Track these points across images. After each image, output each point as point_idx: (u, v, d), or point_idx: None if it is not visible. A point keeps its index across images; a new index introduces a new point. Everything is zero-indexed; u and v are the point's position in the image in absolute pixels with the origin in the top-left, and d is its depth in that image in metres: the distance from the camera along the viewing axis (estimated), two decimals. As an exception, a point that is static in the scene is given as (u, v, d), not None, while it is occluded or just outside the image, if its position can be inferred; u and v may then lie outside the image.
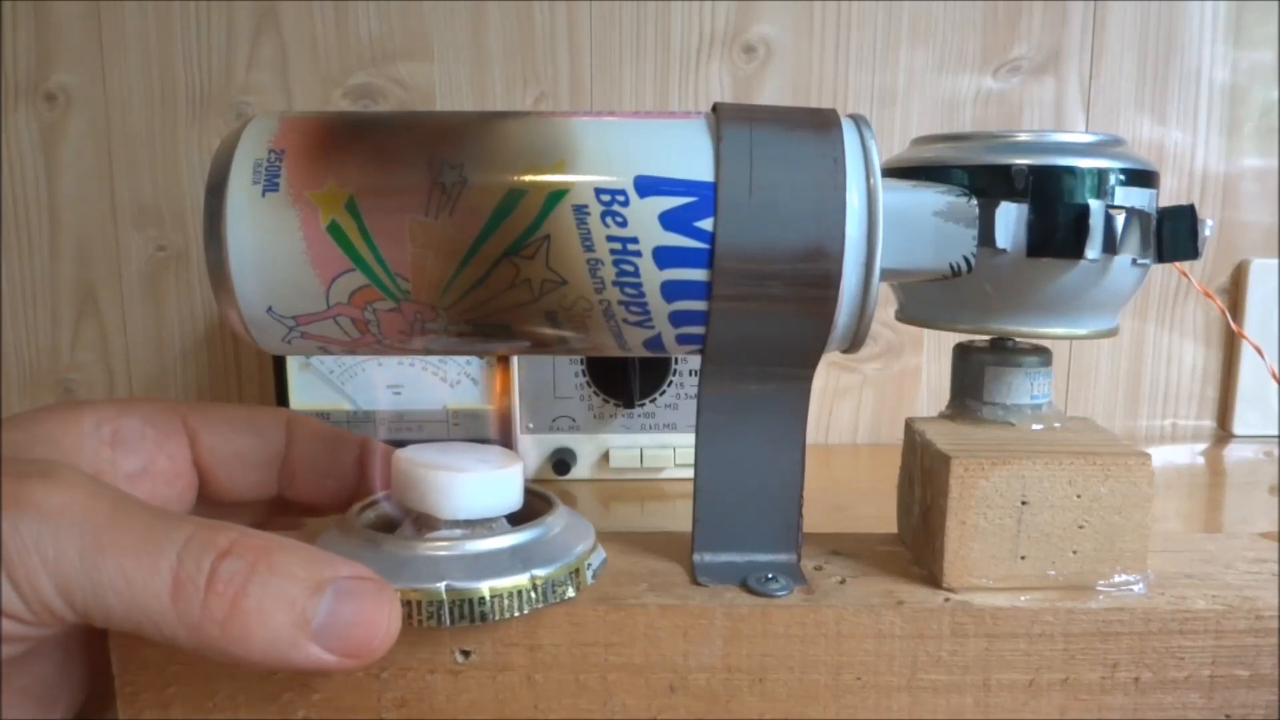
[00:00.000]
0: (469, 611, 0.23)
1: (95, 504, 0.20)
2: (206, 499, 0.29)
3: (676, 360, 0.54)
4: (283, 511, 0.31)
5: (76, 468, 0.22)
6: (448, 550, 0.24)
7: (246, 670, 0.24)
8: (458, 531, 0.25)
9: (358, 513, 0.27)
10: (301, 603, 0.21)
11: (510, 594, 0.23)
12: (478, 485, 0.25)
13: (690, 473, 0.27)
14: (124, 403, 0.27)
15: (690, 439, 0.30)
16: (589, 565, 0.25)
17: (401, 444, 0.26)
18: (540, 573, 0.24)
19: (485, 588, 0.23)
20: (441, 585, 0.23)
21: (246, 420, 0.29)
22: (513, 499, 0.26)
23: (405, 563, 0.24)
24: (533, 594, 0.24)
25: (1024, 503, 0.26)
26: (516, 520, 0.26)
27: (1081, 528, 0.26)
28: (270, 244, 0.24)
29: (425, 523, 0.25)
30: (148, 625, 0.20)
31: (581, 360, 0.54)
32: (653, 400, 0.55)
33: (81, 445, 0.26)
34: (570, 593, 0.25)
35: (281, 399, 0.55)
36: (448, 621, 0.23)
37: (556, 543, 0.25)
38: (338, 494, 0.30)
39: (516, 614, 0.24)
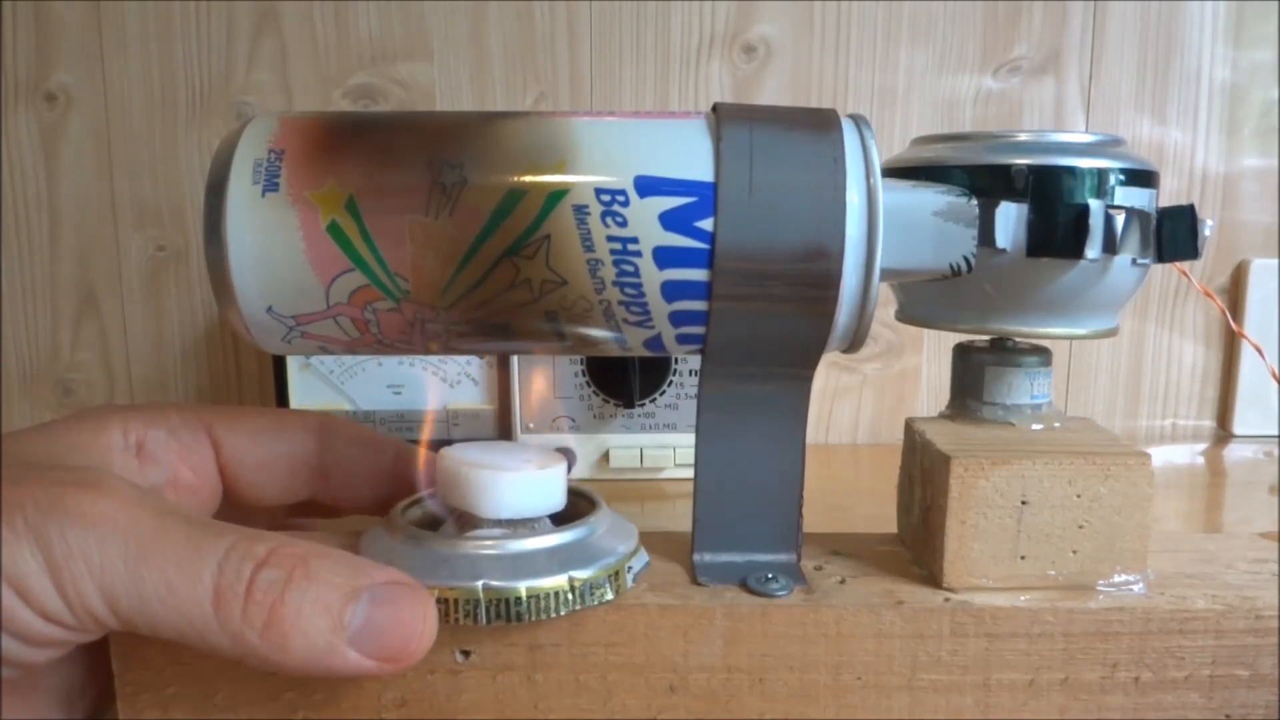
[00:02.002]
0: (505, 611, 0.23)
1: (140, 513, 0.21)
2: (233, 503, 0.29)
3: (676, 360, 0.54)
4: (308, 514, 0.31)
5: (121, 476, 0.22)
6: (487, 549, 0.24)
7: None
8: (498, 531, 0.25)
9: (402, 510, 0.27)
10: (338, 609, 0.21)
11: (547, 595, 0.24)
12: (519, 485, 0.25)
13: (690, 473, 0.27)
14: (151, 413, 0.27)
15: (690, 439, 0.30)
16: (629, 568, 0.25)
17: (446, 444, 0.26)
18: (579, 574, 0.24)
19: (523, 588, 0.23)
20: (479, 584, 0.23)
21: (273, 429, 0.29)
22: (555, 499, 0.26)
23: (445, 560, 0.24)
24: (570, 595, 0.24)
25: (1024, 503, 0.26)
26: (562, 521, 0.26)
27: (1081, 527, 0.26)
28: (270, 244, 0.24)
29: (468, 521, 0.25)
30: (191, 633, 0.21)
31: (581, 360, 0.54)
32: (653, 400, 0.55)
33: (110, 457, 0.26)
34: (609, 595, 0.24)
35: (281, 399, 0.55)
36: (484, 620, 0.23)
37: (597, 545, 0.25)
38: (374, 499, 0.30)
39: (554, 615, 0.24)
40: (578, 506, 0.27)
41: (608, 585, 0.24)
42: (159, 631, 0.21)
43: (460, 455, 0.25)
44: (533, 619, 0.23)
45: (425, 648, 0.22)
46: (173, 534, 0.21)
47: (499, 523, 0.25)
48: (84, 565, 0.20)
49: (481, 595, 0.23)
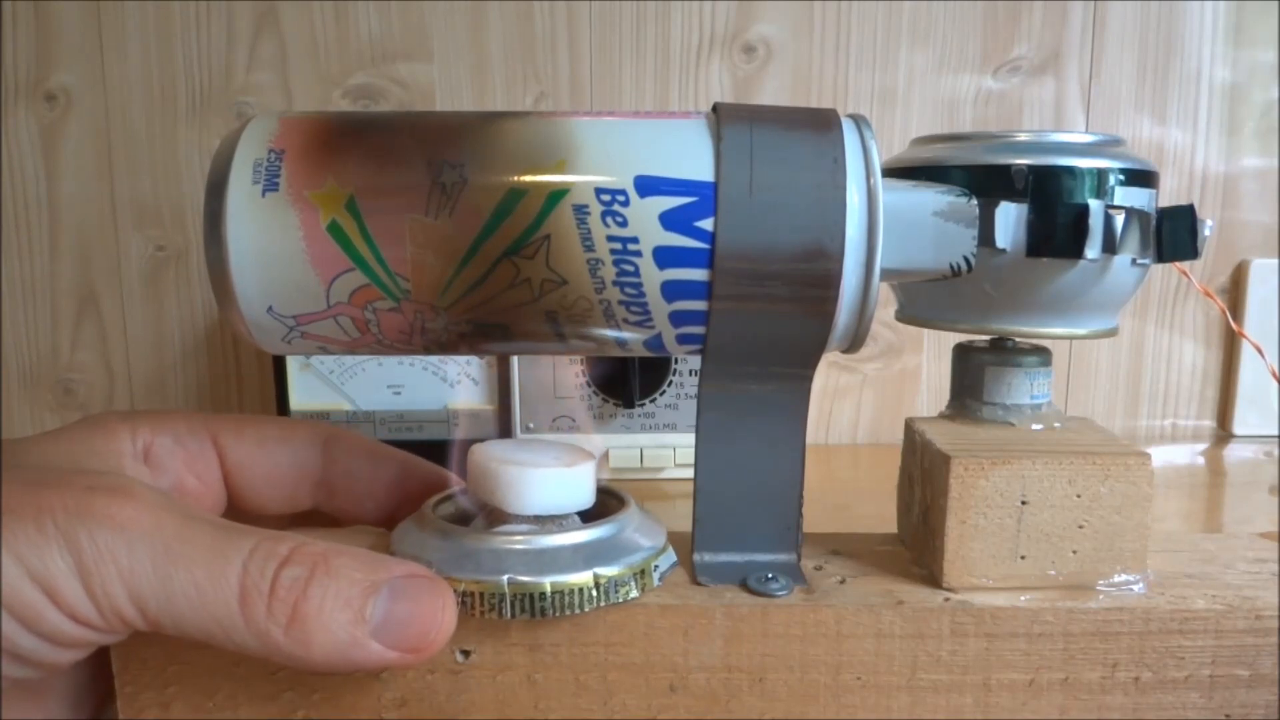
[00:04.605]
0: (530, 605, 0.23)
1: (166, 517, 0.21)
2: (238, 513, 0.29)
3: (676, 360, 0.54)
4: (311, 525, 0.31)
5: (145, 482, 0.22)
6: (513, 544, 0.24)
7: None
8: (526, 526, 0.25)
9: (434, 505, 0.27)
10: (358, 603, 0.22)
11: (572, 591, 0.24)
12: (547, 481, 0.25)
13: (690, 473, 0.27)
14: (157, 420, 0.28)
15: (690, 439, 0.30)
16: (656, 566, 0.25)
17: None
18: (604, 571, 0.24)
19: (547, 583, 0.23)
20: (504, 578, 0.23)
21: (280, 438, 0.29)
22: (583, 496, 0.26)
23: (471, 554, 0.24)
24: (594, 592, 0.24)
25: (1024, 502, 0.26)
26: (592, 518, 0.26)
27: (1081, 527, 0.26)
28: (270, 244, 0.24)
29: (497, 517, 0.26)
30: (218, 633, 0.21)
31: (581, 360, 0.54)
32: (653, 400, 0.55)
33: (123, 463, 0.26)
34: (634, 593, 0.25)
35: (281, 399, 0.55)
36: (509, 614, 0.23)
37: (624, 542, 0.25)
38: (377, 511, 0.30)
39: (577, 611, 0.24)
40: (607, 505, 0.27)
41: (633, 583, 0.25)
42: (186, 632, 0.21)
43: (491, 451, 0.25)
44: (557, 615, 0.24)
45: (446, 637, 0.23)
46: (199, 537, 0.21)
47: (527, 519, 0.25)
48: (113, 568, 0.20)
49: (506, 590, 0.23)
